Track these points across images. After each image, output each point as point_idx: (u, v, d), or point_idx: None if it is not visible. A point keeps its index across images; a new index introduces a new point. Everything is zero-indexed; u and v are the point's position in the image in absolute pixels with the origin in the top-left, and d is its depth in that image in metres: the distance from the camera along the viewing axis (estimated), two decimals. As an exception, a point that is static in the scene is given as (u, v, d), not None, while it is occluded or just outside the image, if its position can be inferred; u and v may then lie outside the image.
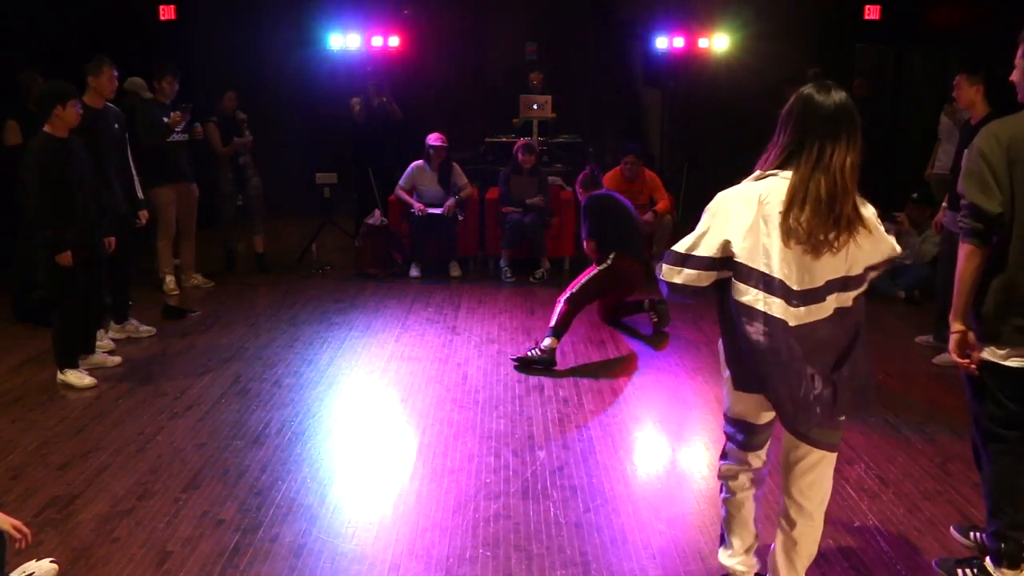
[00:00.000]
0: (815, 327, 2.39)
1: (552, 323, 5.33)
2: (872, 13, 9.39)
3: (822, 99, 2.35)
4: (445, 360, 5.43)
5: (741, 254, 2.38)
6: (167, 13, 8.91)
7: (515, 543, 3.28)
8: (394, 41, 8.49)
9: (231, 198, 7.57)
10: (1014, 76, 2.87)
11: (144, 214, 5.83)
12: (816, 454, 2.57)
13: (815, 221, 2.30)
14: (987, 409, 2.84)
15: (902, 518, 3.45)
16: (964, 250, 2.77)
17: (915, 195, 6.94)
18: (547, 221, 7.72)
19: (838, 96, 2.36)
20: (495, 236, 7.84)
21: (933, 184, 7.22)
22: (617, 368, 5.30)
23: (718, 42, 8.91)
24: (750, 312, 2.37)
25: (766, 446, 2.71)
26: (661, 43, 8.87)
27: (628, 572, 3.11)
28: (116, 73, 5.53)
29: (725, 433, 2.76)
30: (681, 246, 2.51)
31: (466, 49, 10.19)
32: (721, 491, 2.83)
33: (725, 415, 2.73)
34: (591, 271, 5.50)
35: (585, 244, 5.70)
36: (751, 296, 2.37)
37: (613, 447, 4.16)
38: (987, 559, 2.91)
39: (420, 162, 7.76)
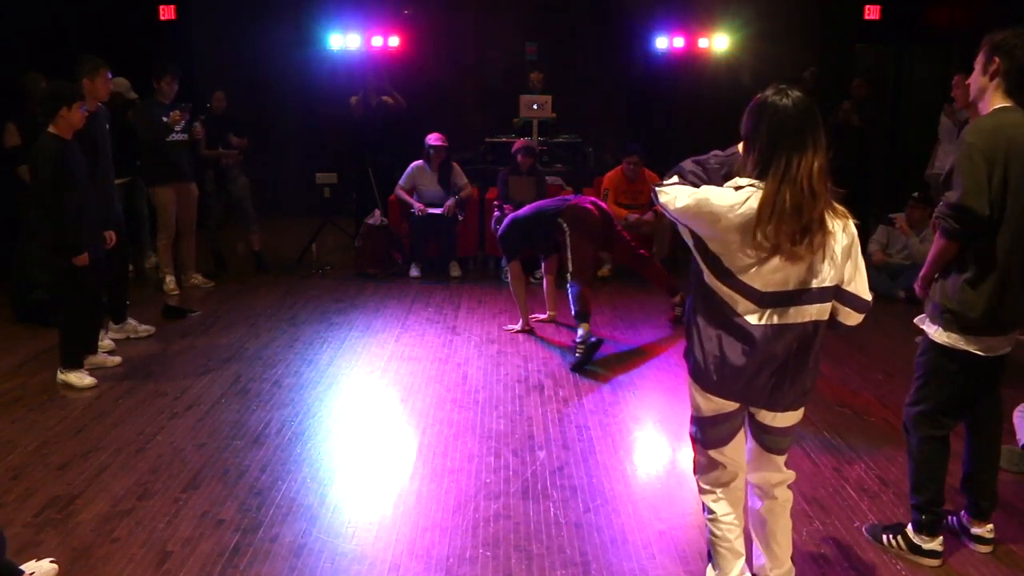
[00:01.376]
0: (782, 331, 2.40)
1: (573, 312, 5.42)
2: (872, 13, 9.40)
3: (785, 108, 2.34)
4: (445, 360, 5.43)
5: (714, 245, 2.40)
6: (167, 13, 8.92)
7: (515, 543, 3.28)
8: (394, 41, 8.50)
9: (213, 199, 7.54)
10: (971, 79, 2.95)
11: (111, 234, 5.29)
12: (766, 456, 2.68)
13: (782, 230, 2.31)
14: (939, 395, 3.01)
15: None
16: (942, 244, 2.87)
17: (915, 195, 6.94)
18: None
19: (799, 101, 2.35)
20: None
21: (933, 184, 7.23)
22: (617, 368, 5.30)
23: (718, 42, 8.91)
24: (721, 304, 2.43)
25: (728, 446, 2.65)
26: (661, 43, 8.87)
27: (628, 572, 3.11)
28: (111, 75, 5.53)
29: (691, 438, 2.75)
30: (675, 198, 2.45)
31: (466, 49, 10.20)
32: (704, 511, 2.77)
33: (690, 418, 2.73)
34: (565, 249, 5.59)
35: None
36: (723, 292, 2.42)
37: (613, 447, 4.16)
38: (909, 526, 3.15)
39: (420, 162, 7.77)
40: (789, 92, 2.37)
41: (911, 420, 3.13)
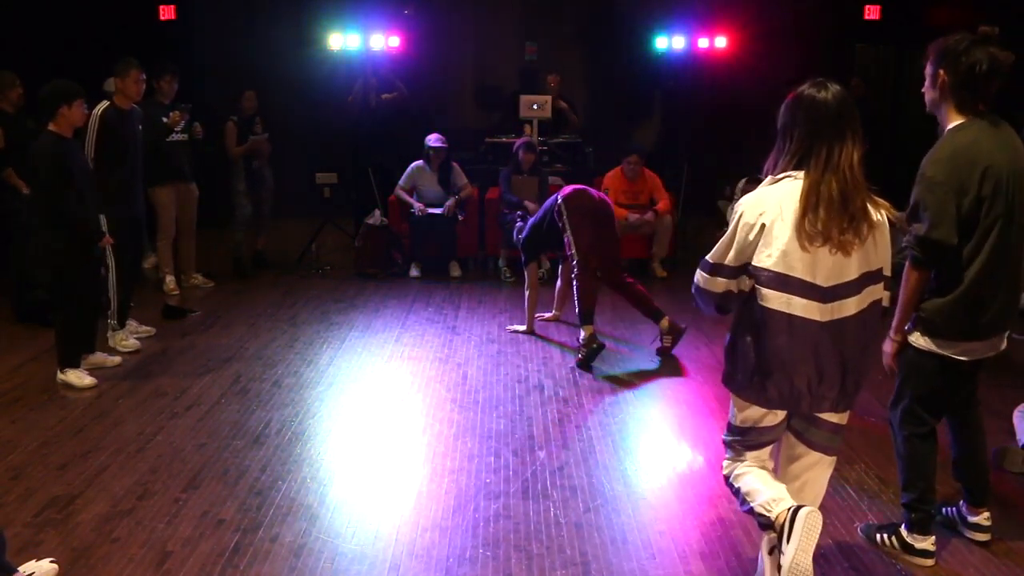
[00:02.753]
0: (844, 323, 2.43)
1: (577, 311, 5.40)
2: (872, 13, 9.39)
3: (824, 100, 2.40)
4: (445, 360, 5.42)
5: (763, 260, 2.42)
6: (167, 13, 8.91)
7: (515, 543, 3.28)
8: (394, 41, 8.48)
9: (243, 201, 7.50)
10: (924, 89, 2.93)
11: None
12: (813, 456, 2.63)
13: (831, 221, 2.36)
14: (918, 394, 3.04)
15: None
16: (914, 276, 2.92)
17: (915, 195, 6.94)
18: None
19: (838, 94, 2.41)
20: (495, 236, 7.84)
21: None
22: (617, 368, 5.30)
23: (718, 42, 8.90)
24: (774, 315, 2.43)
25: (767, 449, 2.68)
26: (661, 43, 8.86)
27: (628, 572, 3.11)
28: (144, 76, 5.56)
29: (724, 441, 2.75)
30: (712, 256, 2.55)
31: (466, 49, 10.19)
32: (738, 501, 2.69)
33: (728, 424, 2.72)
34: (565, 232, 5.52)
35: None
36: (777, 301, 2.42)
37: (613, 447, 4.16)
38: (902, 526, 3.15)
39: (420, 162, 7.77)
40: (828, 85, 2.43)
41: (895, 418, 3.15)
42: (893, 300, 2.65)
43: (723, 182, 9.39)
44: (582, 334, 5.31)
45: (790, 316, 2.41)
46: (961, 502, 3.31)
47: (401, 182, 7.80)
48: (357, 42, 8.37)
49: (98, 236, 4.91)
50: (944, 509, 3.38)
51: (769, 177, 2.51)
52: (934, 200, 2.80)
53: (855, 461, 3.99)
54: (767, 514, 2.51)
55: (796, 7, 9.60)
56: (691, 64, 9.05)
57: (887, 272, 2.52)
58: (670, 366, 5.33)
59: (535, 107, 8.27)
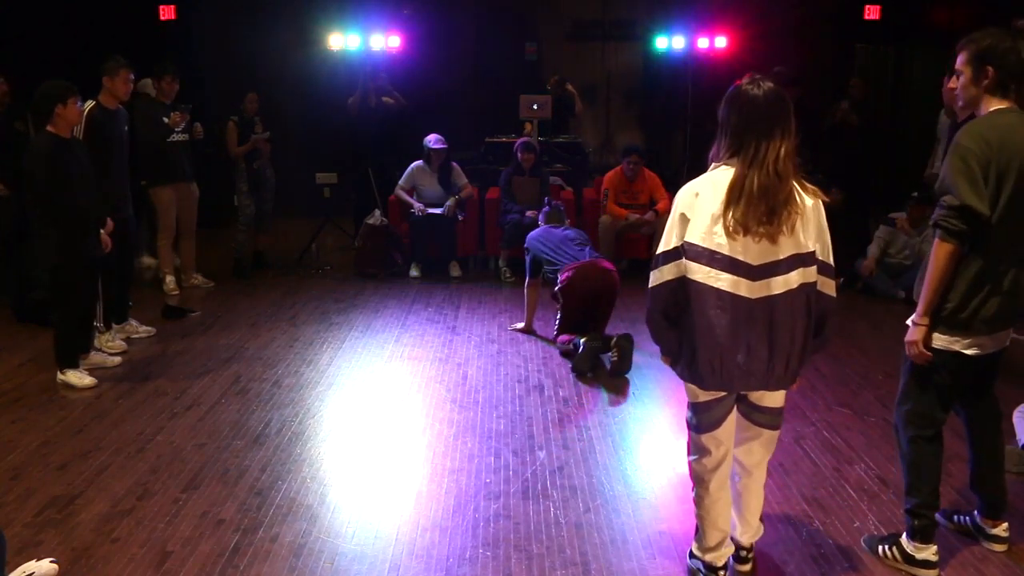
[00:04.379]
0: (772, 301, 2.54)
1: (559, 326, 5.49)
2: (872, 13, 9.39)
3: (755, 97, 2.55)
4: (445, 360, 5.43)
5: (694, 237, 2.56)
6: (167, 13, 8.91)
7: (515, 543, 3.28)
8: (394, 41, 8.49)
9: (247, 201, 7.49)
10: (958, 86, 2.92)
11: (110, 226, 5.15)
12: (755, 430, 2.84)
13: (748, 214, 2.50)
14: (924, 394, 3.02)
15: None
16: (944, 249, 2.82)
17: (915, 195, 6.94)
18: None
19: (769, 92, 2.55)
20: (495, 236, 7.84)
21: (932, 184, 7.21)
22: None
23: (718, 42, 8.90)
24: (703, 290, 2.56)
25: (720, 429, 2.79)
26: (661, 43, 8.87)
27: (628, 572, 3.11)
28: (132, 76, 5.55)
29: (687, 424, 2.91)
30: (657, 250, 2.69)
31: (466, 49, 10.19)
32: (692, 489, 2.95)
33: (688, 403, 2.88)
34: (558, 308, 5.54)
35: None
36: (703, 274, 2.55)
37: (613, 447, 4.16)
38: (903, 536, 3.12)
39: (420, 162, 7.77)
40: (761, 83, 2.58)
41: (899, 420, 3.13)
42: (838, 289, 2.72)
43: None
44: (581, 342, 5.18)
45: (718, 291, 2.54)
46: (975, 511, 3.27)
47: (401, 182, 7.81)
48: (357, 42, 8.38)
49: (101, 224, 4.88)
50: (956, 517, 3.35)
51: (712, 165, 2.65)
52: (967, 169, 2.75)
53: (855, 461, 3.98)
54: (704, 557, 2.94)
55: (796, 7, 9.61)
56: (691, 64, 9.05)
57: (823, 257, 2.60)
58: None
59: (535, 107, 8.27)
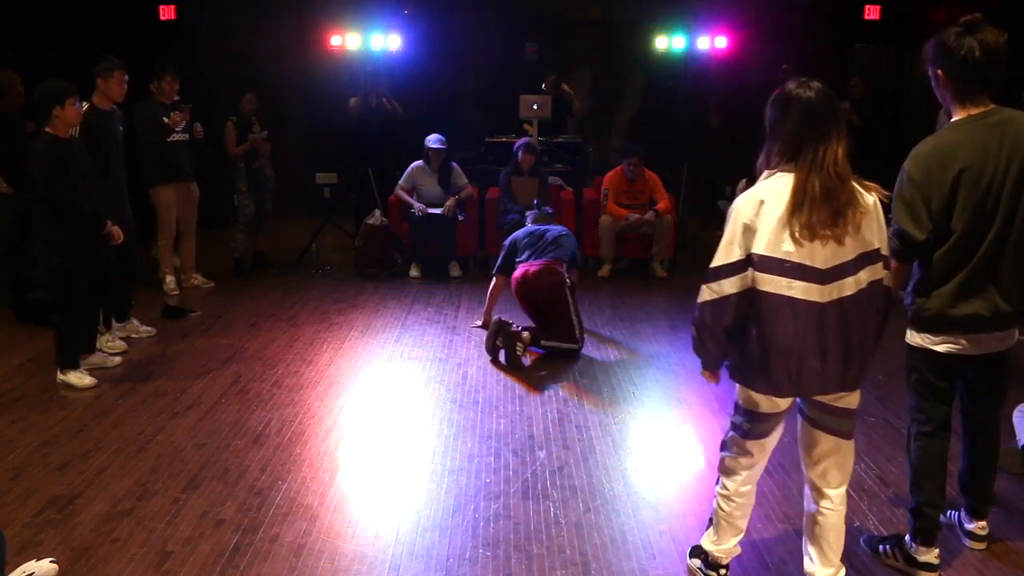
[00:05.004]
0: (844, 303, 2.50)
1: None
2: (872, 13, 9.40)
3: (810, 100, 2.50)
4: (445, 360, 5.42)
5: (760, 247, 2.50)
6: (167, 13, 8.92)
7: (515, 543, 3.28)
8: (394, 41, 8.49)
9: (246, 200, 7.48)
10: (934, 88, 2.92)
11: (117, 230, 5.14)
12: (830, 441, 2.71)
13: (814, 219, 2.45)
14: (919, 392, 3.05)
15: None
16: (892, 264, 2.82)
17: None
18: (547, 221, 7.71)
19: (822, 92, 2.51)
20: (495, 236, 7.83)
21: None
22: (617, 368, 5.30)
23: (718, 42, 8.91)
24: (775, 300, 2.50)
25: (769, 437, 2.76)
26: (661, 43, 8.86)
27: (628, 572, 3.11)
28: (127, 77, 5.54)
29: (731, 422, 2.84)
30: (714, 263, 2.60)
31: (466, 49, 10.19)
32: (716, 482, 2.92)
33: (735, 404, 2.80)
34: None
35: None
36: (774, 284, 2.49)
37: (613, 447, 4.16)
38: (905, 537, 3.11)
39: (420, 162, 7.77)
40: (811, 84, 2.52)
41: (908, 419, 3.15)
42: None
43: (723, 182, 9.40)
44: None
45: (791, 299, 2.48)
46: (961, 509, 3.29)
47: (401, 182, 7.81)
48: (357, 42, 8.38)
49: (102, 226, 4.87)
50: (949, 513, 3.37)
51: (765, 173, 2.60)
52: (903, 194, 2.83)
53: (855, 461, 3.95)
54: (713, 551, 2.93)
55: (796, 7, 9.61)
56: (691, 64, 9.05)
57: (885, 252, 2.58)
58: (670, 366, 5.33)
59: (535, 107, 8.28)
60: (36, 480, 3.78)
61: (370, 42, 8.37)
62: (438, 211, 7.58)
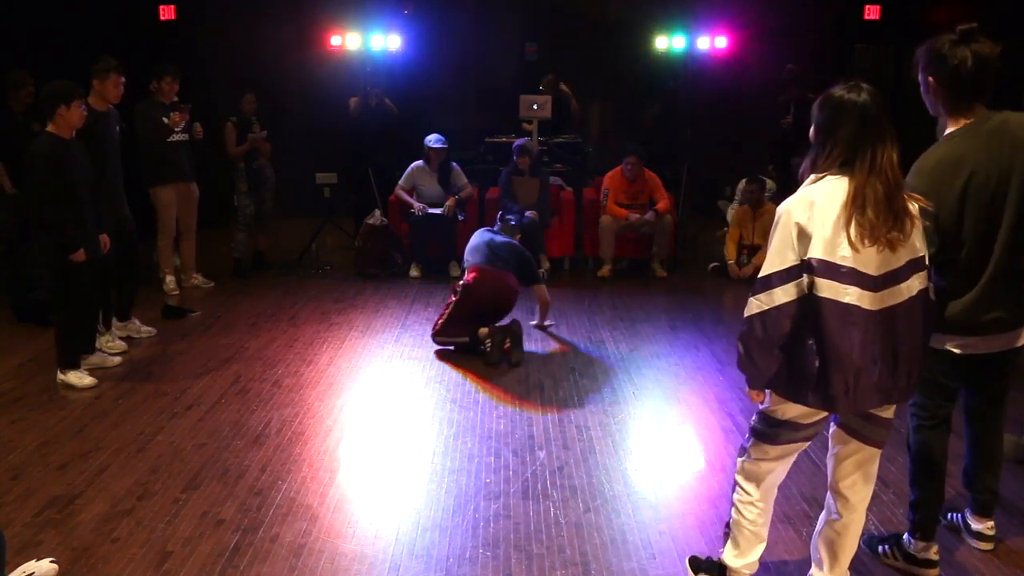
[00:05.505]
0: (895, 311, 2.45)
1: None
2: (872, 13, 9.39)
3: (865, 104, 2.45)
4: (445, 360, 5.42)
5: (817, 251, 2.42)
6: (167, 13, 8.91)
7: (515, 543, 3.28)
8: (394, 41, 8.49)
9: (246, 200, 7.48)
10: (923, 94, 2.92)
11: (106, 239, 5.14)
12: (866, 451, 2.67)
13: (879, 222, 2.40)
14: (923, 387, 2.98)
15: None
16: None
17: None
18: (547, 221, 7.72)
19: (874, 95, 2.47)
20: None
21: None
22: (617, 368, 5.30)
23: (718, 42, 8.91)
24: (832, 306, 2.41)
25: (790, 447, 2.70)
26: (661, 43, 8.86)
27: (628, 572, 3.11)
28: (123, 79, 5.54)
29: (754, 429, 2.75)
30: (764, 270, 2.50)
31: (466, 49, 10.19)
32: (733, 490, 2.84)
33: (762, 414, 2.72)
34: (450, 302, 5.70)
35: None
36: (832, 291, 2.41)
37: (613, 447, 4.16)
38: (904, 536, 3.11)
39: (420, 162, 7.77)
40: (862, 86, 2.48)
41: (909, 416, 3.14)
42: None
43: (723, 182, 9.40)
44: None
45: (847, 306, 2.40)
46: (966, 510, 3.29)
47: (401, 182, 7.81)
48: (357, 42, 8.38)
49: (74, 248, 4.71)
50: (950, 515, 3.37)
51: (812, 176, 2.52)
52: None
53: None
54: (739, 567, 2.82)
55: (796, 7, 9.61)
56: (691, 64, 9.05)
57: (927, 261, 2.55)
58: (670, 366, 5.33)
59: (535, 107, 8.27)
60: (36, 480, 3.78)
61: (370, 42, 8.36)
62: (438, 211, 7.58)
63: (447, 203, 7.58)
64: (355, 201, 8.61)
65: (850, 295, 2.40)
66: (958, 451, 3.23)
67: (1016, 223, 2.78)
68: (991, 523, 3.23)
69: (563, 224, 7.93)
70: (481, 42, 10.27)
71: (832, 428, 2.72)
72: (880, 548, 3.19)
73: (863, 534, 3.32)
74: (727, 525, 2.90)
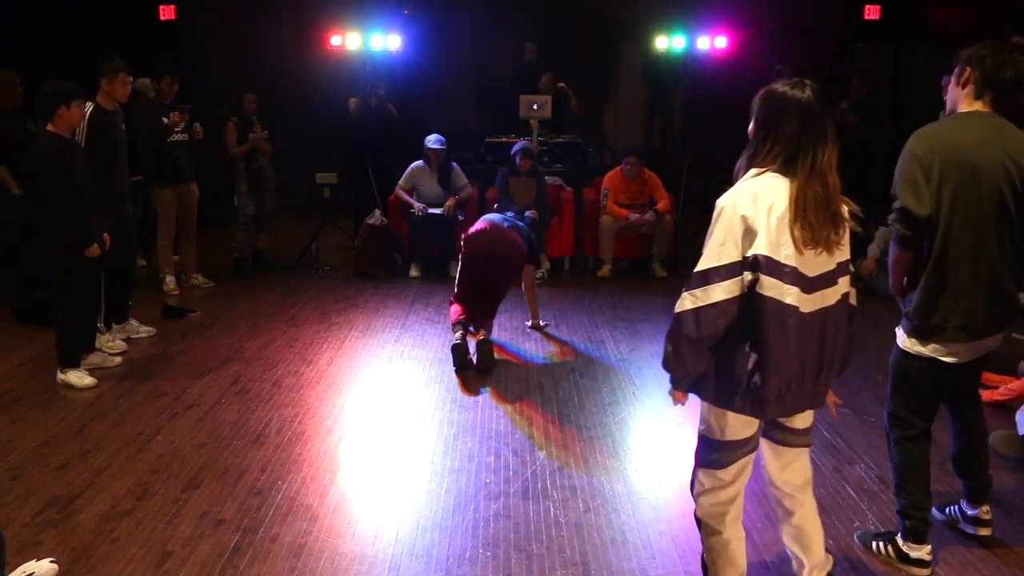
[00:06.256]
0: (825, 314, 2.41)
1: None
2: (872, 13, 9.39)
3: (809, 101, 2.35)
4: (445, 360, 5.42)
5: (761, 247, 2.32)
6: (167, 13, 8.92)
7: (515, 543, 3.29)
8: (394, 41, 8.49)
9: (246, 200, 7.47)
10: (948, 92, 2.98)
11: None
12: (793, 451, 2.65)
13: (819, 226, 2.34)
14: (906, 398, 3.05)
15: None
16: (895, 254, 2.93)
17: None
18: (546, 221, 7.72)
19: (818, 93, 2.38)
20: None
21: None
22: (617, 368, 5.30)
23: (718, 42, 8.91)
24: (771, 305, 2.31)
25: (739, 464, 2.56)
26: (661, 43, 8.87)
27: (628, 572, 3.11)
28: (131, 79, 5.55)
29: (697, 460, 2.64)
30: (701, 265, 2.39)
31: (466, 49, 10.19)
32: (702, 529, 2.69)
33: (701, 437, 2.62)
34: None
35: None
36: (776, 290, 2.31)
37: (613, 447, 4.16)
38: (899, 535, 3.13)
39: (420, 162, 7.77)
40: (806, 83, 2.39)
41: (886, 422, 3.17)
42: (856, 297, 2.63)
43: (723, 182, 9.39)
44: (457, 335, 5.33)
45: (787, 306, 2.31)
46: (961, 500, 3.31)
47: (401, 182, 7.81)
48: (357, 42, 8.38)
49: (86, 244, 4.77)
50: (947, 509, 3.38)
51: (753, 170, 2.43)
52: (908, 170, 2.83)
53: (855, 461, 3.99)
54: None
55: (796, 7, 9.61)
56: (691, 64, 9.06)
57: (851, 266, 2.54)
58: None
59: (535, 107, 8.27)
60: (36, 480, 3.78)
61: (370, 42, 8.37)
62: (438, 211, 7.58)
63: (447, 203, 7.58)
64: (355, 201, 8.61)
65: (791, 296, 2.31)
66: (943, 439, 3.23)
67: (999, 222, 2.82)
68: (987, 507, 3.26)
69: (563, 224, 7.93)
70: (481, 42, 10.27)
71: (761, 442, 2.63)
72: (874, 544, 3.21)
73: (857, 529, 3.35)
74: (702, 556, 2.75)
